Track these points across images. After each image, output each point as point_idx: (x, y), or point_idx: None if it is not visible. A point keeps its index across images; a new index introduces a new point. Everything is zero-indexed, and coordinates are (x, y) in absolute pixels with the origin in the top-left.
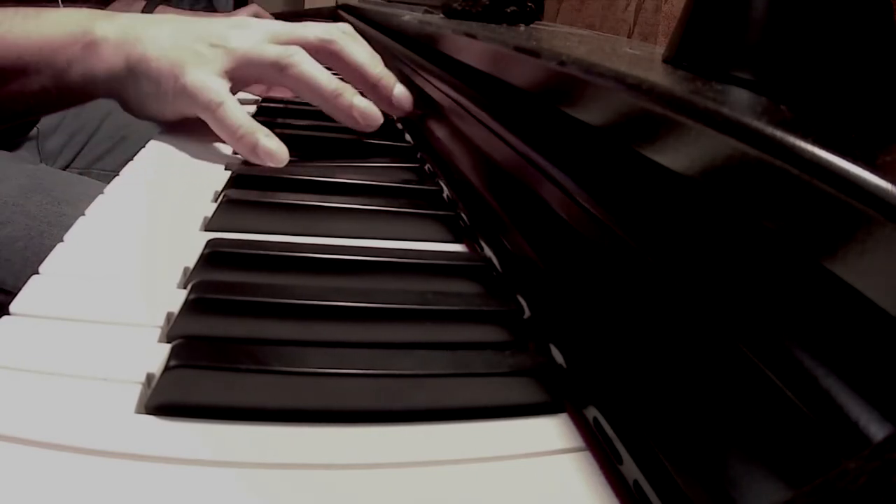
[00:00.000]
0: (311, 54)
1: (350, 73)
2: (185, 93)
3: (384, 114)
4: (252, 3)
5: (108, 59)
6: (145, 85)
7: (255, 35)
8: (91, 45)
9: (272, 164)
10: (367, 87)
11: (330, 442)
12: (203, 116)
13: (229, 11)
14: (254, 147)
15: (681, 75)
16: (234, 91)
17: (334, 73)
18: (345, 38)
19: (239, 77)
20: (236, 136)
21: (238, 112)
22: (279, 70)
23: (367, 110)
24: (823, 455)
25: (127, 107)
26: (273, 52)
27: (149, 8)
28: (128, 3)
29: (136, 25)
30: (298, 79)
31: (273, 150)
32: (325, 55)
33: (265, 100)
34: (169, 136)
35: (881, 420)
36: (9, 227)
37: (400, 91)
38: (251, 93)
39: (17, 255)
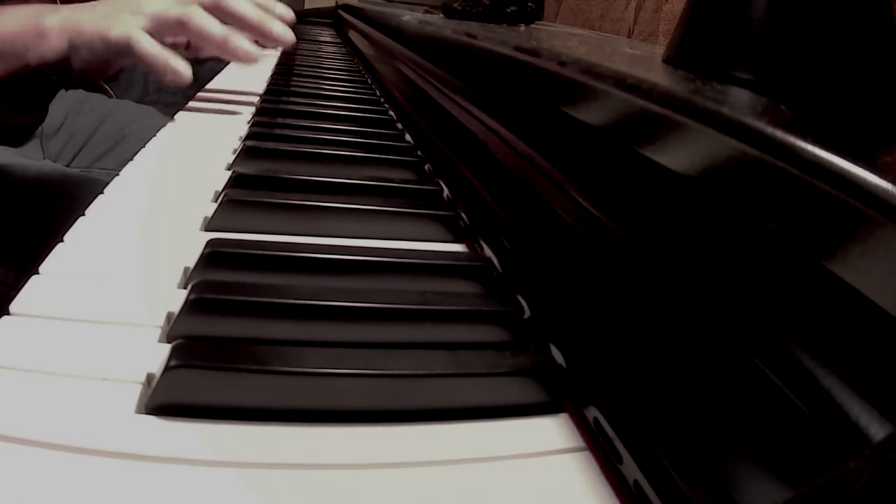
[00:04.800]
0: (208, 12)
1: (238, 23)
2: (112, 45)
3: (384, 116)
4: None
5: (56, 43)
6: (84, 52)
7: (165, 1)
8: (42, 34)
9: (179, 81)
10: (252, 30)
11: (330, 442)
12: (130, 57)
13: None
14: (165, 67)
15: (681, 75)
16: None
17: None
18: None
19: (155, 34)
20: (153, 62)
21: (151, 44)
22: (182, 25)
23: (248, 50)
24: (823, 455)
25: (75, 76)
26: (176, 11)
27: None
28: None
29: (74, 13)
30: (196, 31)
31: (180, 68)
32: (218, 12)
33: (265, 101)
34: (169, 136)
35: (881, 420)
36: (12, 221)
37: (278, 28)
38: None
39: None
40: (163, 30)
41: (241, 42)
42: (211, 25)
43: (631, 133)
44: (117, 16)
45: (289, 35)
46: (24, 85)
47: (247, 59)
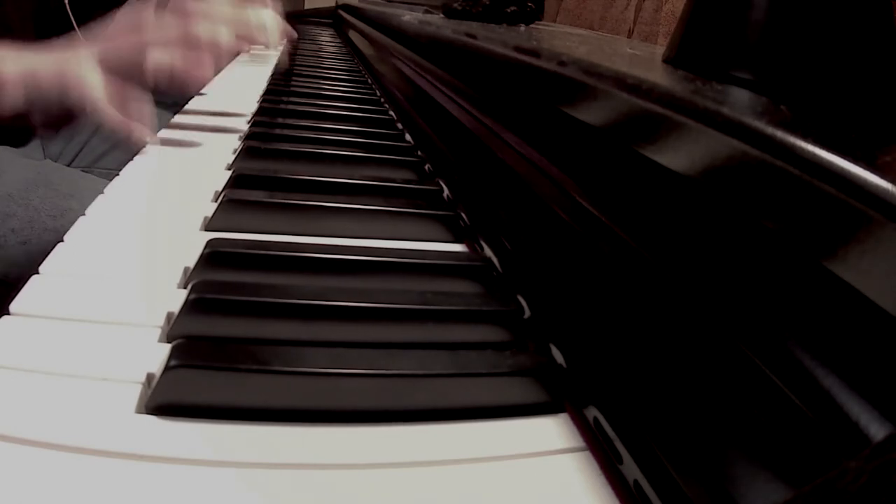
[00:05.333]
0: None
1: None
2: (70, 98)
3: (384, 116)
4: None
5: (11, 95)
6: (40, 105)
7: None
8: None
9: (139, 142)
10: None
11: (330, 442)
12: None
13: None
14: (129, 137)
15: (681, 75)
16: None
17: None
18: None
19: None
20: (115, 123)
21: (109, 110)
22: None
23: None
24: (823, 455)
25: (34, 129)
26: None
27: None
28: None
29: (33, 60)
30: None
31: (138, 132)
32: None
33: (265, 100)
34: (170, 136)
35: (881, 420)
36: (13, 220)
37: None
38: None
39: (21, 248)
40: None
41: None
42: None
43: (631, 133)
44: (75, 63)
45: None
46: None
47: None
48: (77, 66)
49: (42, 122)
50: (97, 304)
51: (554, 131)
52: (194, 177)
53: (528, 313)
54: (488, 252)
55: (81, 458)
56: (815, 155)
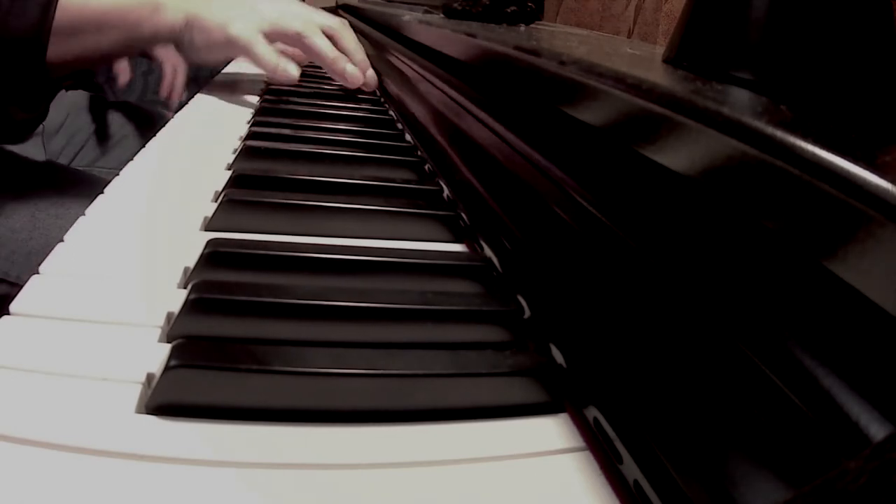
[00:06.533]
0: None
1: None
2: (229, 41)
3: (384, 116)
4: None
5: (171, 18)
6: (198, 36)
7: (282, 8)
8: (158, 8)
9: (287, 81)
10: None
11: (330, 442)
12: (243, 56)
13: None
14: (275, 69)
15: (681, 75)
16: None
17: None
18: (342, 30)
19: (268, 38)
20: (269, 68)
21: (268, 50)
22: (299, 39)
23: (354, 75)
24: (823, 455)
25: (181, 52)
26: (297, 25)
27: None
28: None
29: (187, 1)
30: (311, 47)
31: (290, 71)
32: (331, 40)
33: (265, 100)
34: (170, 136)
35: (881, 420)
36: (14, 218)
37: (370, 74)
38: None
39: (22, 247)
40: (277, 36)
41: (350, 67)
42: (326, 47)
43: (631, 133)
44: (237, 11)
45: (373, 81)
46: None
47: (352, 84)
48: (243, 20)
49: (190, 53)
50: (97, 304)
51: (554, 131)
52: (194, 177)
53: (528, 313)
54: (488, 252)
55: (81, 458)
56: (815, 155)
